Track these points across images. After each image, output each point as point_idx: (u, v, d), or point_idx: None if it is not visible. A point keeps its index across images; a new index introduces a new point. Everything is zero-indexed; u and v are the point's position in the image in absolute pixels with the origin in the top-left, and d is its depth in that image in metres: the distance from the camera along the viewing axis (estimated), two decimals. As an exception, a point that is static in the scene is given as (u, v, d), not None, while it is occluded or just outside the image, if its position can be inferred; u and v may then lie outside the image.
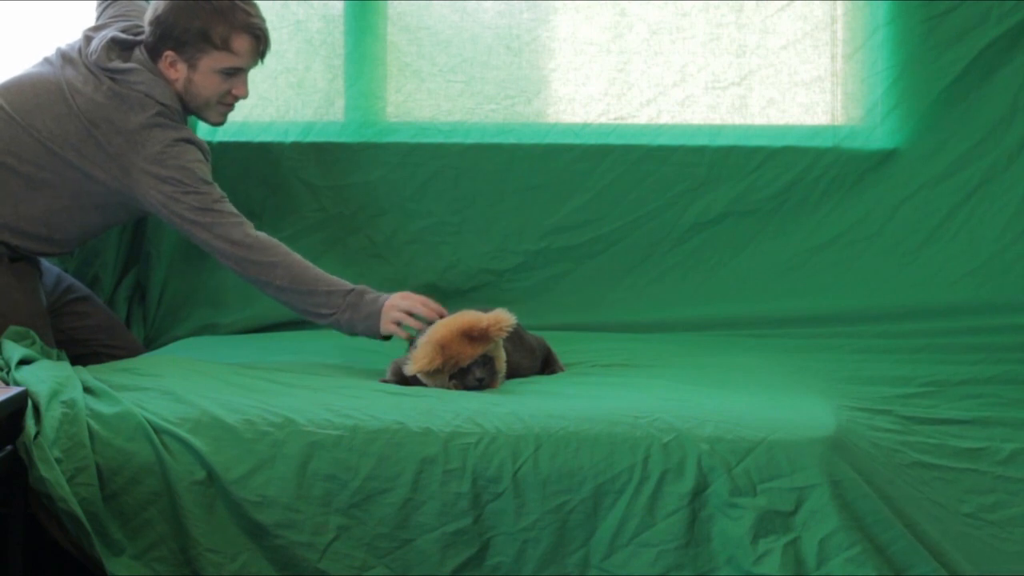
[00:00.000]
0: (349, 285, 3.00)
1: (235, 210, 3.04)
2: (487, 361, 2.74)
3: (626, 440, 2.45)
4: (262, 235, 3.03)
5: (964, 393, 3.02)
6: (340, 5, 3.62)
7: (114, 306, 3.50)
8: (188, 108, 3.14)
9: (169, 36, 3.07)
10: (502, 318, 2.72)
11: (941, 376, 3.11)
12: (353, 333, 3.00)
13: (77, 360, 2.96)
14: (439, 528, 2.43)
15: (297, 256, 3.02)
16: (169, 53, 3.08)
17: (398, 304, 2.95)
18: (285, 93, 3.61)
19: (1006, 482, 2.67)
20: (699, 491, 2.41)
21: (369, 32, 3.62)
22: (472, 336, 2.71)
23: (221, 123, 3.22)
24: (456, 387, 2.73)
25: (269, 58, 3.56)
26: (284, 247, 3.02)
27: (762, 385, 2.81)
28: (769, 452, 2.41)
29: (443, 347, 2.71)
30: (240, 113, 3.58)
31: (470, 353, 2.71)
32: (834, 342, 3.35)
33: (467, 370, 2.73)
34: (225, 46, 3.08)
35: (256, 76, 3.59)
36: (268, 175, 3.60)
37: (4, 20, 3.67)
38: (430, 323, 2.85)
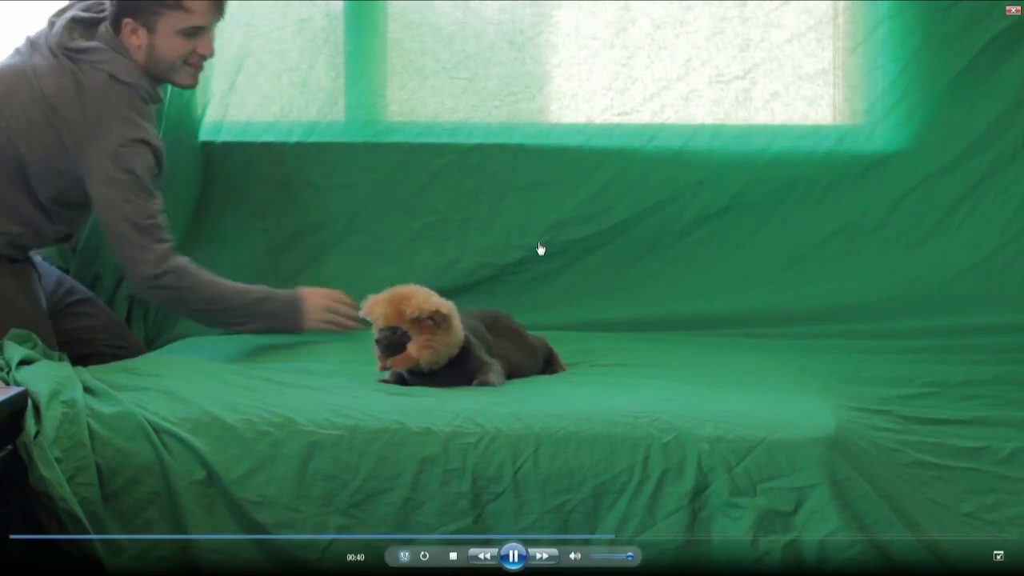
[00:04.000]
0: (258, 293, 3.11)
1: (166, 229, 3.07)
2: (395, 333, 2.74)
3: (626, 440, 2.45)
4: (180, 260, 3.06)
5: (964, 393, 3.01)
6: (342, 3, 3.61)
7: (115, 305, 3.50)
8: (156, 75, 3.13)
9: (125, 3, 3.06)
10: (427, 303, 2.72)
11: (941, 376, 3.10)
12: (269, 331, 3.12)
13: (81, 360, 2.98)
14: (439, 528, 2.43)
15: (207, 278, 3.08)
16: (128, 20, 3.07)
17: (322, 304, 3.13)
18: (288, 92, 3.60)
19: (1006, 482, 2.66)
20: (699, 491, 2.40)
21: (371, 29, 3.61)
22: (397, 306, 2.73)
23: (192, 85, 3.21)
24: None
25: (272, 57, 3.59)
26: (196, 271, 3.07)
27: (762, 385, 2.80)
28: (769, 452, 2.41)
29: (375, 302, 2.76)
30: (243, 112, 3.59)
31: (384, 318, 2.74)
32: (834, 342, 3.35)
33: (381, 331, 2.76)
34: (178, 5, 3.06)
35: (259, 75, 3.60)
36: (272, 174, 3.60)
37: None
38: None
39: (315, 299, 3.17)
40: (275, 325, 3.15)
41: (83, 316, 3.29)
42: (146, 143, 3.06)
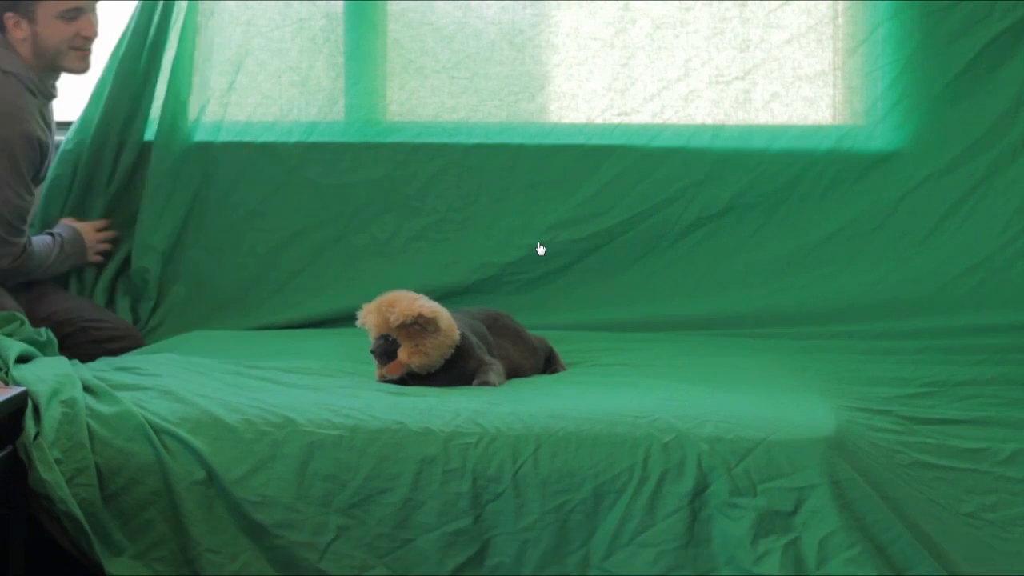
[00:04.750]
0: (58, 254, 3.27)
1: (28, 224, 3.17)
2: (387, 341, 2.75)
3: (626, 440, 2.45)
4: (28, 248, 3.16)
5: (964, 393, 3.01)
6: (342, 3, 3.61)
7: (95, 296, 3.47)
8: (46, 67, 3.19)
9: (4, 1, 3.14)
10: (409, 308, 2.72)
11: (941, 377, 3.10)
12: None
13: (65, 338, 3.04)
14: (439, 528, 2.43)
15: (39, 252, 3.22)
16: (10, 15, 3.15)
17: (92, 235, 3.39)
18: (288, 92, 3.60)
19: (1007, 482, 2.67)
20: (699, 491, 2.41)
21: (371, 29, 3.61)
22: (384, 314, 2.74)
23: (84, 69, 3.25)
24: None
25: (272, 57, 3.57)
26: (32, 252, 3.19)
27: (762, 385, 2.80)
28: (769, 452, 2.41)
29: (367, 312, 2.77)
30: (244, 112, 3.59)
31: (376, 327, 2.75)
32: (834, 343, 3.35)
33: (374, 341, 2.77)
34: None
35: (259, 75, 3.59)
36: (271, 174, 3.59)
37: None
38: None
39: (88, 239, 3.39)
40: (68, 264, 3.35)
41: (57, 299, 3.31)
42: (31, 137, 3.11)
